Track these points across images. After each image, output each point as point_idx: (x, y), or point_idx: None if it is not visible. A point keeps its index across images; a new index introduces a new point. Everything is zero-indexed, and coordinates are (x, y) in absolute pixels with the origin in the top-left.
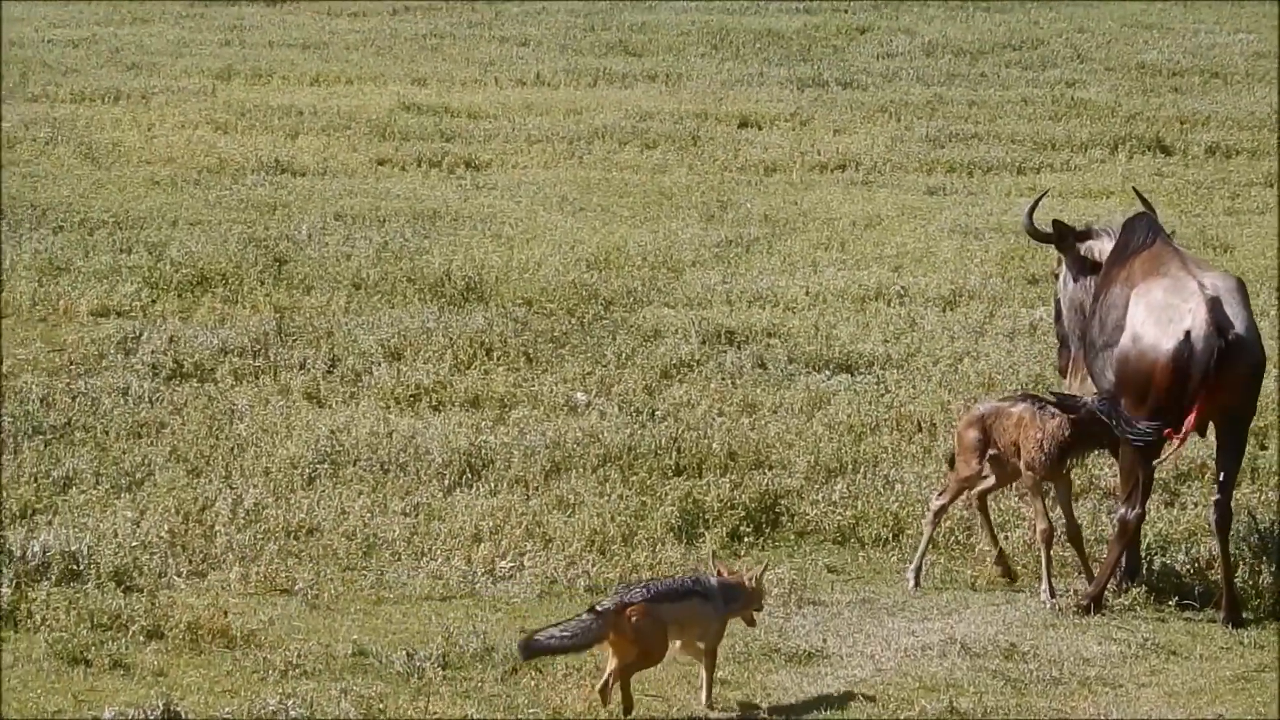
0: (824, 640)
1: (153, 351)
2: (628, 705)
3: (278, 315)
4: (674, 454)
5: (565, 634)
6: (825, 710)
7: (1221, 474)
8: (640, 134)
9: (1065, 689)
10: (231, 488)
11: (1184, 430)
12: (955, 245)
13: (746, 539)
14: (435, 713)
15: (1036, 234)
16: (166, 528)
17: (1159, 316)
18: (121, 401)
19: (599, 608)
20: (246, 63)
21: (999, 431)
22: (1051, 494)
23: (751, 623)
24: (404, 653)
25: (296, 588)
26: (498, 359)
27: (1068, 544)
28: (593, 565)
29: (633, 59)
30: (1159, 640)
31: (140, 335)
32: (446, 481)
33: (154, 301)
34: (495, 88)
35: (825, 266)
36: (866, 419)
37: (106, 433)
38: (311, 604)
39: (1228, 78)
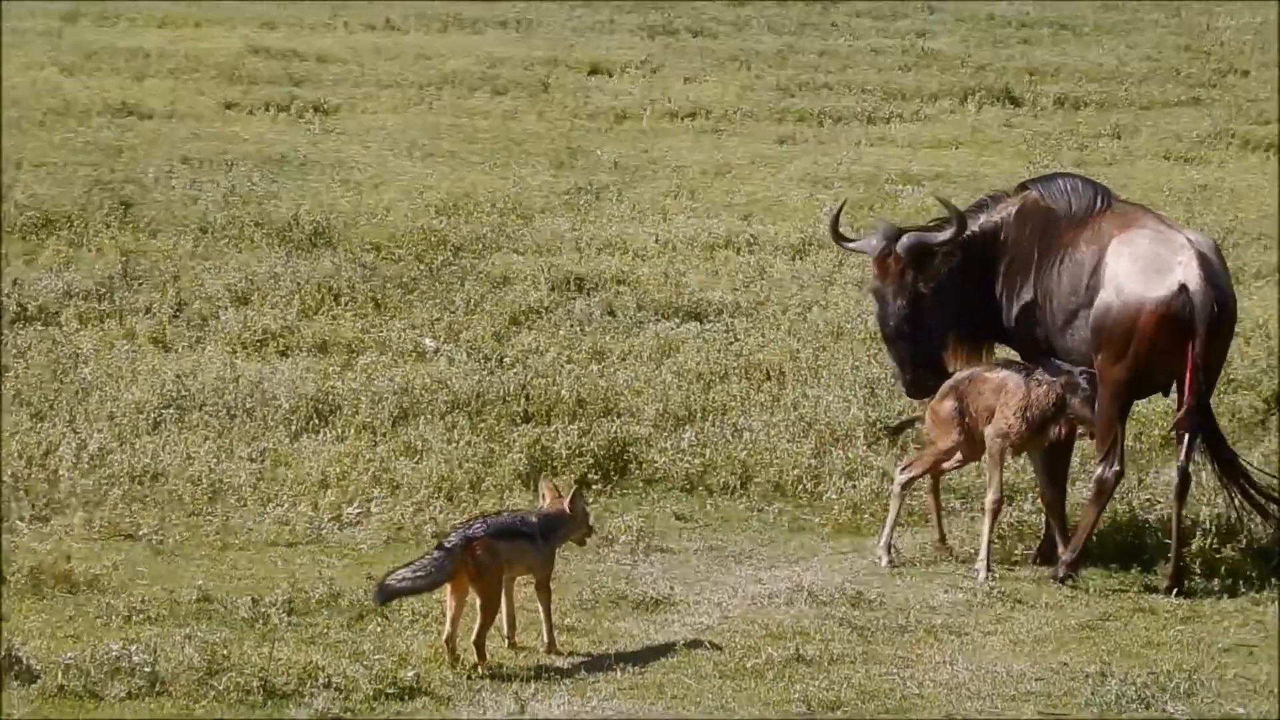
0: (671, 588)
1: None
2: (482, 660)
3: (123, 259)
4: (522, 401)
5: (418, 573)
6: (672, 657)
7: (1184, 437)
8: (490, 80)
9: (912, 636)
10: (76, 432)
11: (1187, 392)
12: (805, 194)
13: (595, 486)
14: (280, 659)
15: (843, 240)
16: (9, 472)
17: (1146, 267)
18: None
19: (446, 544)
20: (93, 4)
21: (973, 397)
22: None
23: (581, 543)
24: (249, 599)
25: (141, 533)
26: (346, 305)
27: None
28: (440, 512)
29: (483, 4)
30: (1005, 589)
31: None
32: (293, 427)
33: None
34: (345, 32)
35: (675, 214)
36: (715, 367)
37: None
38: (156, 550)
39: (1077, 29)
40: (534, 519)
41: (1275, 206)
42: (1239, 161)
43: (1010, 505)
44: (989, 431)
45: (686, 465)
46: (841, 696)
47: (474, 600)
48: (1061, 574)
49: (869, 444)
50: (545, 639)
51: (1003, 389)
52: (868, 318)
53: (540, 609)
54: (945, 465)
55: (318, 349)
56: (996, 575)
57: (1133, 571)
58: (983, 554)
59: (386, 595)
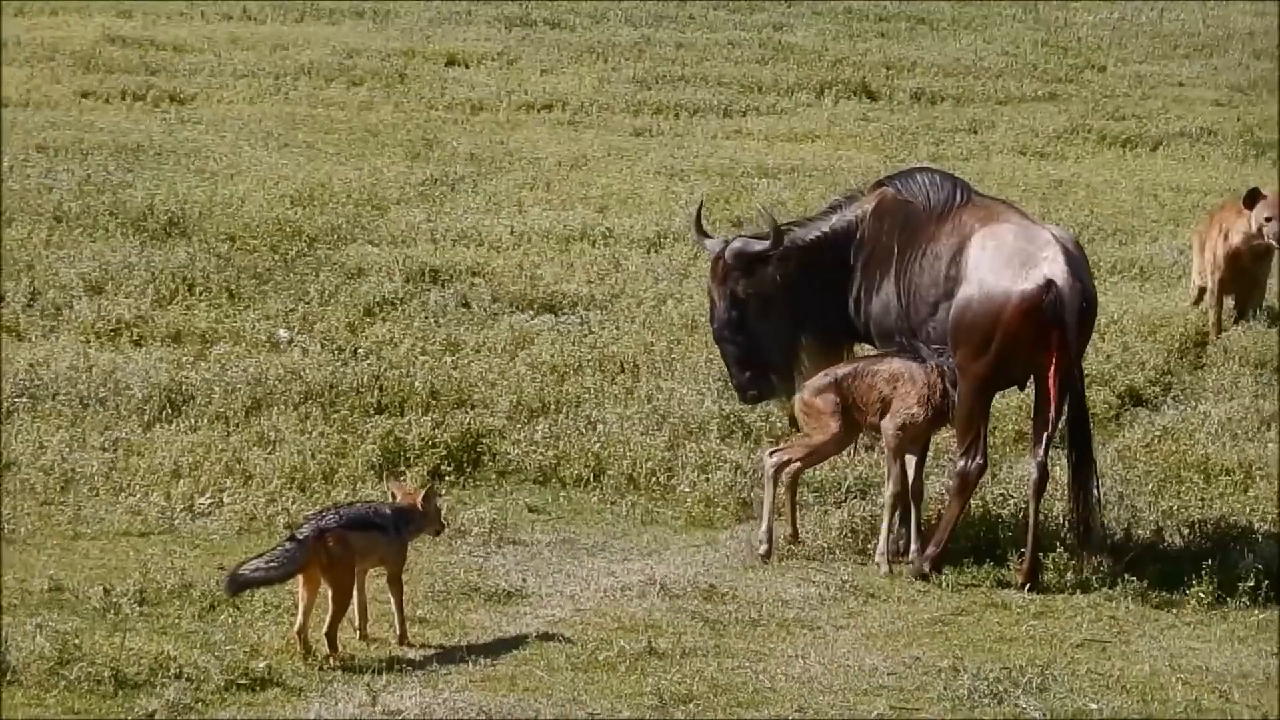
0: (524, 580)
1: None
2: (334, 651)
3: None
4: (376, 392)
5: (270, 564)
6: (524, 650)
7: (1043, 432)
8: (346, 70)
9: (764, 630)
10: None
11: (1052, 383)
12: (661, 187)
13: (448, 478)
14: (132, 649)
15: (703, 236)
16: None
17: (1010, 261)
18: None
19: (298, 534)
20: None
21: (860, 391)
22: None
23: (436, 535)
24: (101, 589)
25: None
26: (200, 294)
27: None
28: (293, 503)
29: None
30: (857, 582)
31: None
32: (146, 417)
33: None
34: (201, 21)
35: (530, 206)
36: (569, 359)
37: None
38: (7, 539)
39: (934, 24)
40: (387, 511)
41: (1130, 202)
42: (1095, 157)
43: (864, 499)
44: (888, 424)
45: (540, 457)
46: (694, 690)
47: (326, 592)
48: (926, 569)
49: (722, 437)
50: (397, 631)
51: (899, 379)
52: None
53: (392, 601)
54: (816, 461)
55: (171, 339)
56: (886, 570)
57: (986, 566)
58: (881, 546)
59: (238, 586)
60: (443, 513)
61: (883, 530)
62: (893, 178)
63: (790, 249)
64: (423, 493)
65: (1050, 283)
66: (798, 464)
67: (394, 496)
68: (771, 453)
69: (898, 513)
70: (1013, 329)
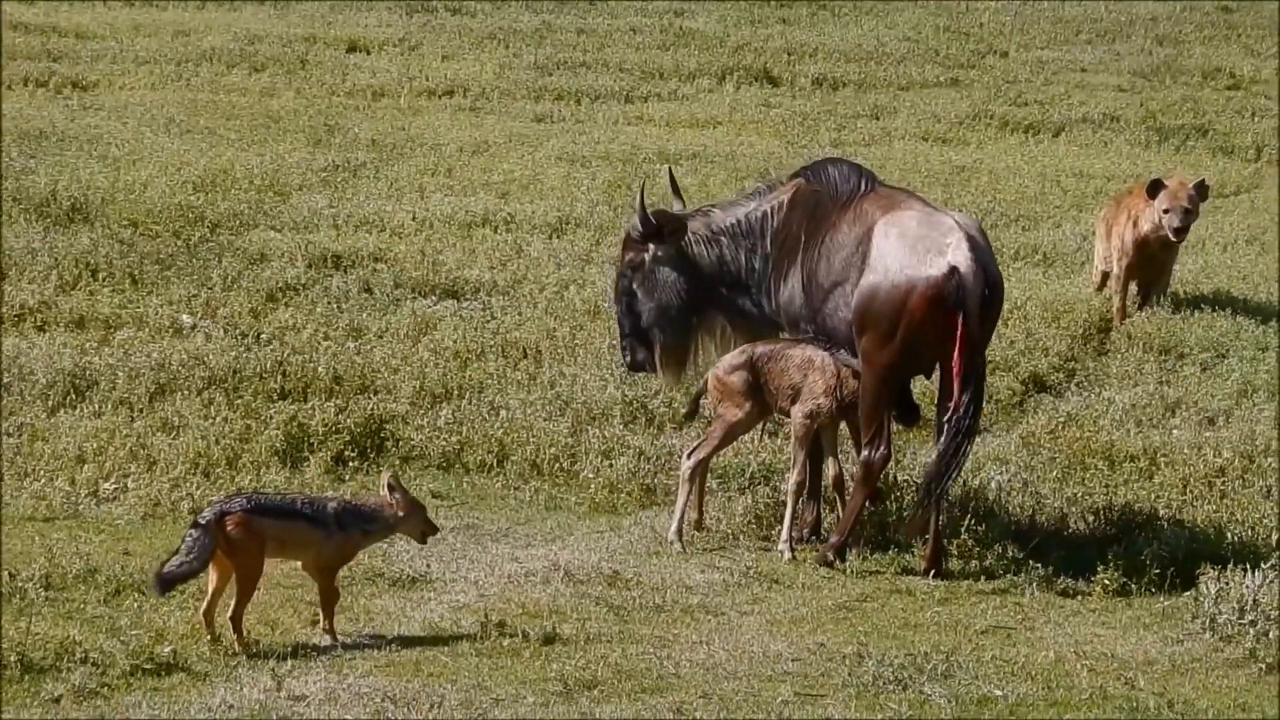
0: (428, 565)
1: None
2: (238, 636)
3: None
4: (279, 377)
5: (189, 556)
6: (428, 635)
7: (945, 420)
8: (248, 56)
9: (668, 616)
10: None
11: (956, 371)
12: (562, 173)
13: (352, 463)
14: (37, 633)
15: (649, 226)
16: None
17: (914, 248)
18: None
19: (200, 519)
20: None
21: (774, 374)
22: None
23: (421, 540)
24: (6, 573)
25: None
26: (103, 280)
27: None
28: (197, 488)
29: None
30: (761, 568)
31: None
32: (50, 402)
33: None
34: (103, 7)
35: (432, 192)
36: (472, 345)
37: None
38: None
39: (835, 10)
40: (331, 505)
41: (1033, 188)
42: (997, 143)
43: (766, 485)
44: (797, 411)
45: (443, 443)
46: (598, 675)
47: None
48: (830, 557)
49: (625, 423)
50: (323, 623)
51: (809, 367)
52: None
53: (319, 594)
54: (728, 442)
55: (75, 324)
56: (790, 556)
57: (890, 553)
58: (785, 534)
59: (166, 585)
60: (424, 512)
61: (786, 517)
62: (806, 168)
63: (707, 231)
64: (401, 493)
65: (954, 269)
66: (714, 450)
67: (382, 490)
68: (689, 454)
69: (801, 499)
70: (917, 316)
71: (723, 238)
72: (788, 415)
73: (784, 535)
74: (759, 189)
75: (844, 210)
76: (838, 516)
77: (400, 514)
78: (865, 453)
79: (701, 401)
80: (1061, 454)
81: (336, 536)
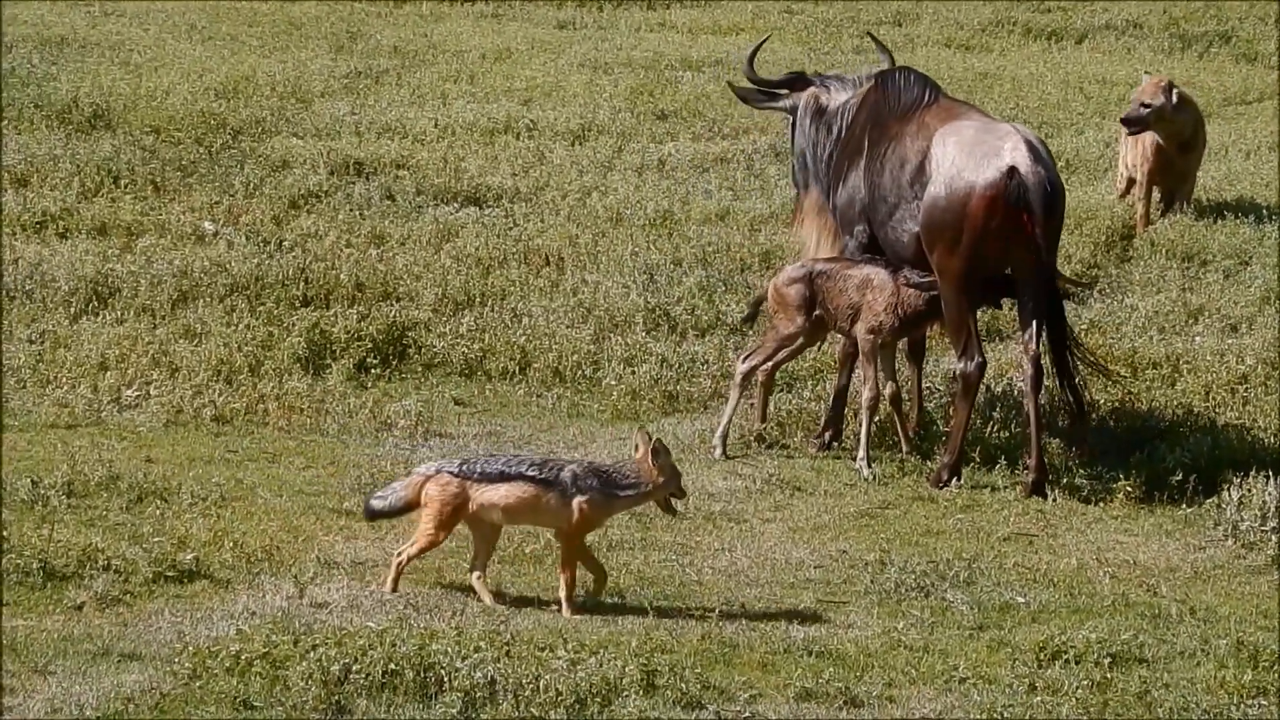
0: None
1: None
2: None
3: None
4: (301, 285)
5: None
6: (449, 542)
7: (1029, 325)
8: None
9: (690, 523)
10: None
11: (1030, 274)
12: (585, 80)
13: (374, 370)
14: (60, 540)
15: (756, 81)
16: None
17: (974, 153)
18: None
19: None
20: None
21: (832, 291)
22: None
23: (669, 510)
24: (28, 481)
25: None
26: (125, 187)
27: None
28: (219, 395)
29: None
30: (784, 476)
31: None
32: (73, 309)
33: None
34: None
35: (454, 99)
36: (494, 252)
37: None
38: None
39: None
40: (568, 469)
41: (1056, 95)
42: (1021, 50)
43: (790, 393)
44: (860, 328)
45: (465, 350)
46: (621, 583)
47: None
48: (946, 477)
49: (648, 330)
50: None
51: (868, 286)
52: (647, 204)
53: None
54: (783, 354)
55: (97, 231)
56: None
57: (913, 459)
58: (862, 451)
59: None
60: (679, 478)
61: (863, 435)
62: (883, 73)
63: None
64: (651, 447)
65: (1013, 169)
66: (768, 363)
67: (636, 447)
68: (743, 359)
69: (874, 415)
70: (980, 219)
71: (816, 119)
72: (845, 335)
73: (861, 454)
74: (856, 78)
75: (905, 122)
76: (895, 434)
77: (661, 476)
78: (959, 364)
79: (760, 306)
80: (1084, 361)
81: (574, 496)
